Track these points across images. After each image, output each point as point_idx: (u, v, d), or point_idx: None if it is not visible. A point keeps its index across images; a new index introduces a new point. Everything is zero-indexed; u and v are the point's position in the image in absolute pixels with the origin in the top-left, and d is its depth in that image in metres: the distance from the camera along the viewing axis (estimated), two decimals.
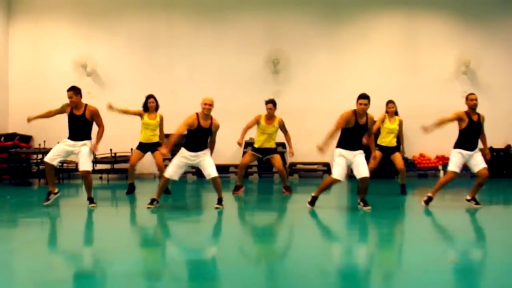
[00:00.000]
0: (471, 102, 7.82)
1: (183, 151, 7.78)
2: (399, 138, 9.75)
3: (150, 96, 9.50)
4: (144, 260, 5.12)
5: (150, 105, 9.40)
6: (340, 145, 7.62)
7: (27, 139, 13.80)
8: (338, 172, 7.54)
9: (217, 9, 14.16)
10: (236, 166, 13.59)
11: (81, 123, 7.91)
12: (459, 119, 7.83)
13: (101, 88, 14.01)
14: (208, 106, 7.74)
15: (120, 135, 12.31)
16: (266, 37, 14.02)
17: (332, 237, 6.32)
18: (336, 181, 7.61)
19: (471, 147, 7.81)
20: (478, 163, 7.82)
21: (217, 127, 7.89)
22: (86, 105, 7.97)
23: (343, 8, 14.16)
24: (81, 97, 7.96)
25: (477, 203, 7.93)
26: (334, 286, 4.23)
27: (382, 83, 13.70)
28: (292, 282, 4.25)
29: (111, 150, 12.88)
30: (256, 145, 9.69)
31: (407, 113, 12.70)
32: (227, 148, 13.78)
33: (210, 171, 7.87)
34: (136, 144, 9.61)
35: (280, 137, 12.96)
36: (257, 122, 9.57)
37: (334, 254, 5.35)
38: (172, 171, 7.76)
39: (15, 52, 14.24)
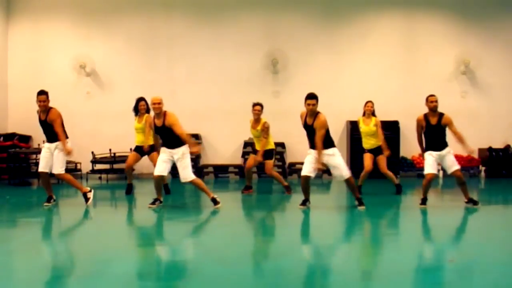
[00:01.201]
0: (431, 104, 7.91)
1: (162, 147, 7.92)
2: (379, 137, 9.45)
3: (141, 99, 9.50)
4: (143, 260, 5.12)
5: (140, 108, 9.41)
6: (309, 145, 7.77)
7: (26, 139, 13.78)
8: (304, 168, 7.67)
9: (216, 9, 14.15)
10: (235, 166, 13.64)
11: (46, 128, 8.06)
12: (421, 126, 7.99)
13: (100, 88, 14.00)
14: (156, 105, 7.76)
15: (119, 135, 12.33)
16: (265, 37, 14.00)
17: (331, 237, 6.33)
18: (305, 177, 7.66)
19: (437, 147, 7.84)
20: (450, 165, 7.88)
21: (170, 121, 7.66)
22: (49, 109, 8.00)
23: (343, 8, 14.15)
24: (49, 102, 8.02)
25: (475, 203, 7.92)
26: (334, 286, 4.24)
27: (381, 83, 13.70)
28: (292, 282, 4.25)
29: (110, 150, 12.88)
30: (256, 148, 9.79)
31: (406, 113, 12.72)
32: (227, 148, 13.81)
33: (185, 175, 7.82)
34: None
35: (279, 137, 13.02)
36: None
37: (333, 254, 5.35)
38: (160, 167, 7.84)
39: (14, 52, 14.22)
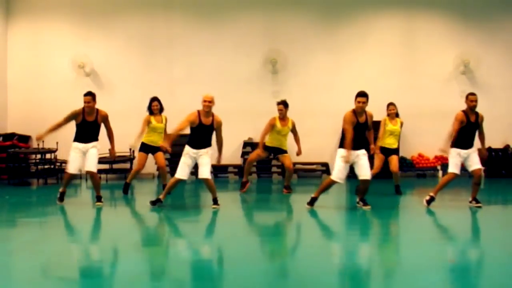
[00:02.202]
0: (471, 103, 7.88)
1: (186, 148, 7.80)
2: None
3: (154, 99, 9.56)
4: (143, 260, 5.12)
5: (154, 108, 9.47)
6: (342, 145, 7.59)
7: (25, 139, 13.79)
8: (337, 174, 7.55)
9: (216, 9, 14.15)
10: (235, 166, 13.63)
11: (93, 128, 8.17)
12: (461, 122, 7.83)
13: (100, 88, 13.97)
14: (207, 103, 7.75)
15: (119, 135, 12.21)
16: (265, 37, 14.00)
17: (331, 237, 6.33)
18: (335, 182, 7.64)
19: (467, 145, 7.89)
20: (473, 163, 7.92)
21: (219, 123, 7.87)
22: (97, 110, 8.17)
23: (342, 8, 14.15)
24: (95, 102, 8.15)
25: (478, 202, 7.96)
26: (334, 286, 4.24)
27: (381, 83, 13.69)
28: (291, 282, 4.25)
29: (109, 150, 12.86)
30: (268, 144, 9.76)
31: (405, 113, 12.69)
32: (226, 148, 13.70)
33: (204, 172, 7.82)
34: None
35: None
36: (272, 126, 9.59)
37: (333, 254, 5.35)
38: (182, 171, 7.80)
39: (14, 52, 14.23)
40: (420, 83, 13.89)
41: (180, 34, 14.10)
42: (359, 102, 7.47)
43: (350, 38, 14.07)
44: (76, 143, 8.12)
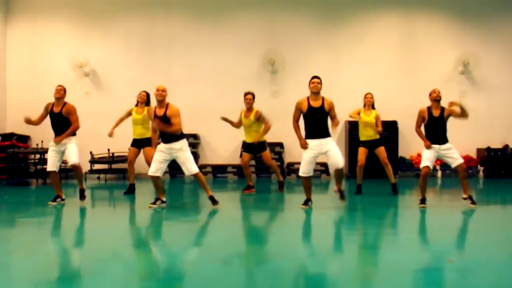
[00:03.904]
0: (434, 94, 8.01)
1: (159, 145, 7.80)
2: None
3: (143, 91, 9.64)
4: (142, 260, 5.12)
5: (139, 98, 9.53)
6: (306, 135, 7.57)
7: (25, 139, 13.79)
8: (302, 169, 7.60)
9: (215, 10, 14.15)
10: (234, 166, 13.64)
11: (59, 120, 8.13)
12: (422, 118, 8.04)
13: (99, 88, 14.00)
14: (160, 92, 7.69)
15: (118, 135, 12.24)
16: (264, 37, 14.01)
17: (330, 237, 6.33)
18: (303, 178, 7.66)
19: (438, 141, 7.93)
20: (454, 158, 7.93)
21: (171, 113, 7.60)
22: (65, 103, 8.18)
23: (341, 8, 14.16)
24: (65, 96, 8.24)
25: (473, 203, 7.93)
26: (333, 286, 4.24)
27: (380, 83, 13.70)
28: (291, 283, 4.25)
29: (108, 150, 12.88)
30: (247, 140, 9.84)
31: (405, 113, 12.74)
32: (225, 148, 13.81)
33: (190, 168, 7.74)
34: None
35: (278, 137, 13.02)
36: (240, 119, 9.76)
37: (332, 254, 5.36)
38: (154, 167, 7.75)
39: (13, 52, 14.23)
40: (419, 83, 13.89)
41: (180, 34, 14.10)
42: (313, 83, 7.41)
43: (349, 38, 14.08)
44: (50, 143, 8.26)
